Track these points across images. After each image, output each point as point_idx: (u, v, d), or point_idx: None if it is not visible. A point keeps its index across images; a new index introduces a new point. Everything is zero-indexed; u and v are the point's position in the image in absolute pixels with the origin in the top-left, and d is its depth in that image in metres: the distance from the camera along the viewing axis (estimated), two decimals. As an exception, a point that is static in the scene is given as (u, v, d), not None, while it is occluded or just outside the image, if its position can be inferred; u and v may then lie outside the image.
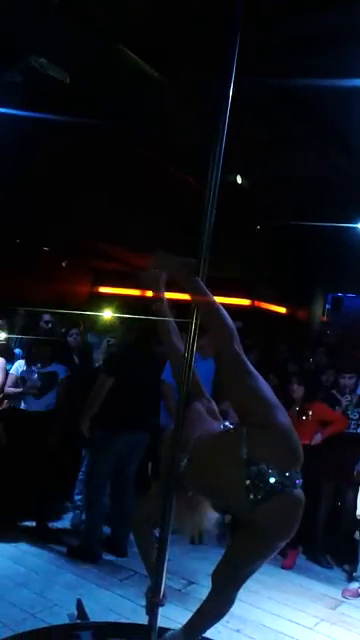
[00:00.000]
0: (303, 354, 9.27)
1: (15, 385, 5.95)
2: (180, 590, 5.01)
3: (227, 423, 3.12)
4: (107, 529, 5.89)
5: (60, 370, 6.01)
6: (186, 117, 7.84)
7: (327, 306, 16.57)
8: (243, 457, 2.72)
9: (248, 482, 2.69)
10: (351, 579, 5.65)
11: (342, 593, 5.45)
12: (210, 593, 2.98)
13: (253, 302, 14.83)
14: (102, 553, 5.52)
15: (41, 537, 5.70)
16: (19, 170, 9.22)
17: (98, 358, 6.83)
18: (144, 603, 3.20)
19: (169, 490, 2.98)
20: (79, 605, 4.22)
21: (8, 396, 5.97)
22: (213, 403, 3.30)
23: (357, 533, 5.82)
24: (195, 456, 2.92)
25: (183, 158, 9.35)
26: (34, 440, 5.74)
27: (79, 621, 4.09)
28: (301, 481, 2.76)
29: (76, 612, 4.18)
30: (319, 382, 6.91)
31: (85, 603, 4.24)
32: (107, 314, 8.25)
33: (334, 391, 6.38)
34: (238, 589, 2.93)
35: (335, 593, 5.46)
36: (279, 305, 16.08)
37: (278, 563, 5.80)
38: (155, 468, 6.00)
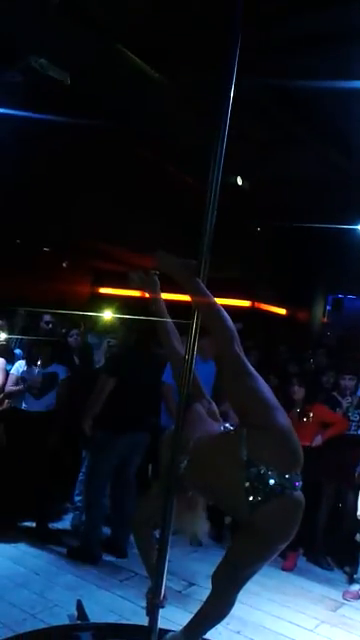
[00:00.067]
0: (303, 355, 9.27)
1: (16, 385, 5.95)
2: (180, 591, 5.01)
3: (227, 424, 3.11)
4: (107, 530, 5.88)
5: (60, 371, 6.00)
6: (186, 117, 7.84)
7: (328, 307, 16.56)
8: (243, 459, 2.71)
9: (247, 484, 2.68)
10: (352, 581, 5.64)
11: (343, 595, 5.44)
12: (210, 595, 2.97)
13: (253, 303, 14.82)
14: (102, 554, 5.52)
15: (41, 538, 5.69)
16: (19, 170, 9.22)
17: (98, 359, 6.84)
18: (144, 604, 3.20)
19: (169, 491, 2.98)
20: (79, 606, 4.21)
21: (9, 395, 5.96)
22: (213, 404, 3.29)
23: (358, 535, 5.81)
24: (195, 457, 2.92)
25: (183, 158, 9.34)
26: (34, 440, 5.73)
27: (79, 622, 4.08)
28: (301, 483, 2.75)
29: (76, 613, 4.18)
30: (319, 383, 6.91)
31: (85, 604, 4.24)
32: (107, 315, 8.26)
33: (335, 393, 6.37)
34: (238, 591, 2.92)
35: (336, 595, 5.45)
36: (279, 306, 16.07)
37: (278, 565, 5.79)
38: (155, 469, 5.99)
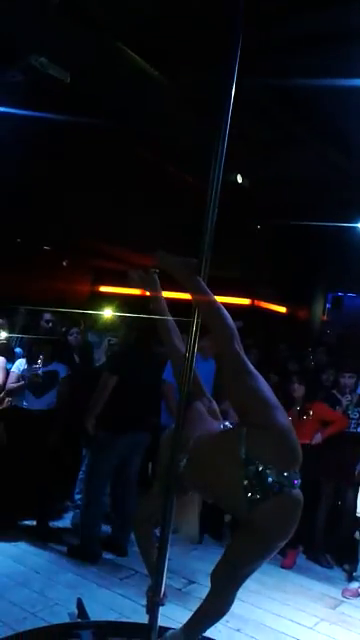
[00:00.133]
0: (303, 353, 9.27)
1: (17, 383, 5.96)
2: (180, 589, 5.02)
3: (227, 423, 3.12)
4: (108, 528, 5.89)
5: (61, 369, 6.01)
6: (186, 117, 7.84)
7: (327, 305, 16.56)
8: (242, 457, 2.72)
9: (246, 482, 2.69)
10: (351, 579, 5.65)
11: (342, 593, 5.45)
12: (209, 593, 2.98)
13: (253, 301, 14.82)
14: (102, 552, 5.52)
15: (41, 536, 5.70)
16: (20, 169, 9.22)
17: (98, 357, 6.85)
18: (144, 602, 3.21)
19: (169, 490, 2.99)
20: (79, 604, 4.22)
21: (10, 392, 5.96)
22: (214, 403, 3.30)
23: (357, 533, 5.82)
24: (195, 456, 2.93)
25: (183, 157, 9.34)
26: (35, 439, 5.74)
27: (79, 620, 4.09)
28: (299, 481, 2.76)
29: (76, 611, 4.18)
30: (319, 381, 6.92)
31: (85, 602, 4.24)
32: (107, 313, 8.26)
33: (334, 391, 6.38)
34: (237, 589, 2.94)
35: (335, 593, 5.46)
36: (279, 305, 16.07)
37: (278, 563, 5.80)
38: (155, 468, 6.01)
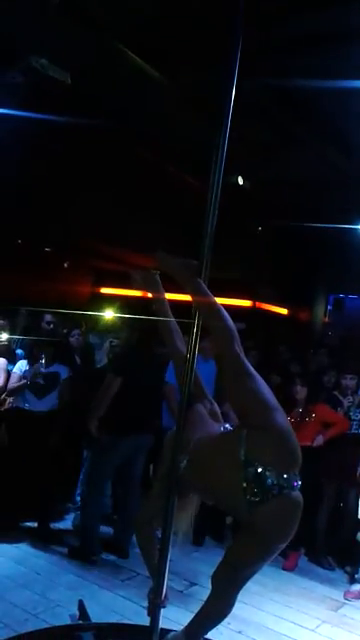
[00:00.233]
0: (305, 355, 9.26)
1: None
2: (182, 591, 5.01)
3: (227, 425, 3.12)
4: (109, 530, 5.89)
5: (62, 370, 6.01)
6: (187, 117, 7.84)
7: (329, 307, 16.54)
8: (241, 459, 2.72)
9: (245, 484, 2.69)
10: (353, 581, 5.65)
11: (344, 595, 5.45)
12: (210, 595, 2.97)
13: (254, 303, 14.81)
14: (101, 553, 5.51)
15: (43, 538, 5.70)
16: (20, 170, 9.22)
17: (100, 359, 6.85)
18: (146, 604, 3.20)
19: (171, 491, 2.98)
20: (81, 606, 4.21)
21: (12, 392, 5.95)
22: (215, 405, 3.30)
23: (359, 534, 5.81)
24: (195, 458, 2.93)
25: (184, 158, 9.34)
26: (37, 440, 5.73)
27: (81, 622, 4.08)
28: (299, 483, 2.75)
29: (78, 613, 4.18)
30: (321, 383, 6.91)
31: (87, 604, 4.24)
32: (109, 314, 8.26)
33: (336, 392, 6.37)
34: (238, 591, 2.93)
35: (337, 595, 5.46)
36: (280, 306, 16.06)
37: (280, 565, 5.80)
38: (157, 469, 6.01)
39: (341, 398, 6.24)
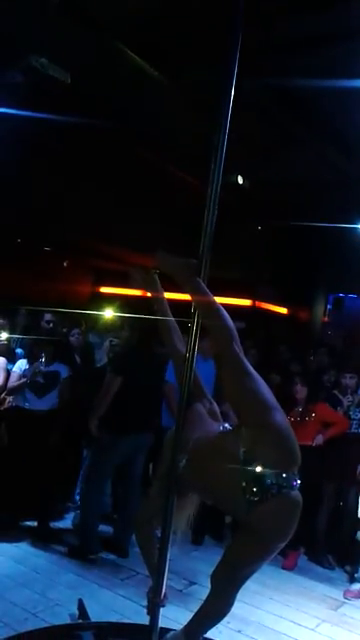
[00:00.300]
0: (305, 354, 9.26)
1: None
2: (181, 590, 5.01)
3: (226, 424, 3.12)
4: (109, 529, 5.89)
5: (62, 370, 6.01)
6: (186, 117, 7.84)
7: (329, 306, 16.54)
8: (240, 458, 2.72)
9: (244, 484, 2.69)
10: (353, 580, 5.65)
11: (344, 594, 5.45)
12: (210, 594, 2.98)
13: (254, 303, 14.82)
14: (101, 552, 5.51)
15: (43, 537, 5.69)
16: (20, 170, 9.22)
17: (99, 358, 6.85)
18: (145, 603, 3.21)
19: (170, 491, 2.98)
20: (80, 605, 4.22)
21: (11, 391, 5.95)
22: (215, 404, 3.30)
23: (358, 533, 5.81)
24: (194, 457, 2.93)
25: (184, 158, 9.34)
26: (37, 439, 5.73)
27: (80, 621, 4.09)
28: (298, 482, 2.76)
29: (77, 612, 4.19)
30: (321, 382, 6.91)
31: (86, 603, 4.25)
32: (108, 314, 8.26)
33: (335, 391, 6.37)
34: (237, 590, 2.93)
35: (337, 594, 5.46)
36: (280, 305, 16.06)
37: (279, 564, 5.80)
38: (156, 469, 6.01)
39: (341, 397, 6.24)
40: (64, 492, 6.37)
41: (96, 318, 8.27)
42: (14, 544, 5.53)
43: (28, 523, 5.89)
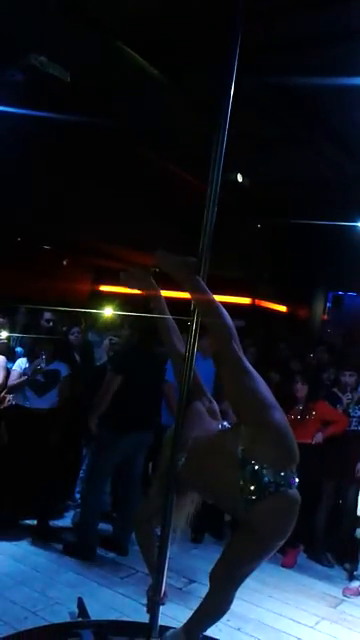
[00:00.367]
0: (304, 352, 9.27)
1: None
2: (181, 589, 5.02)
3: (225, 423, 3.12)
4: (109, 527, 5.90)
5: (62, 368, 6.00)
6: (186, 115, 7.84)
7: (328, 304, 16.56)
8: (238, 457, 2.72)
9: (242, 482, 2.70)
10: (352, 577, 5.65)
11: (343, 592, 5.45)
12: (209, 592, 2.98)
13: (254, 301, 14.83)
14: (97, 549, 5.51)
15: (42, 535, 5.69)
16: (20, 168, 9.22)
17: (99, 356, 6.85)
18: (145, 601, 3.21)
19: (169, 489, 2.99)
20: (80, 603, 4.22)
21: (12, 388, 5.95)
22: (214, 403, 3.30)
23: (358, 531, 5.82)
24: (192, 456, 2.93)
25: (184, 156, 9.34)
26: (36, 438, 5.73)
27: (80, 619, 4.09)
28: (297, 481, 2.76)
29: (77, 610, 4.19)
30: (320, 380, 6.91)
31: (86, 601, 4.25)
32: (108, 312, 8.26)
33: (335, 389, 6.37)
34: (236, 588, 2.93)
35: (336, 592, 5.46)
36: (280, 304, 16.08)
37: (279, 562, 5.80)
38: (156, 467, 6.02)
39: (340, 395, 6.25)
40: (64, 490, 6.37)
41: (96, 316, 8.27)
42: (14, 542, 5.53)
43: (28, 522, 5.89)
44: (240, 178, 9.74)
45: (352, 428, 6.10)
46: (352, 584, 5.53)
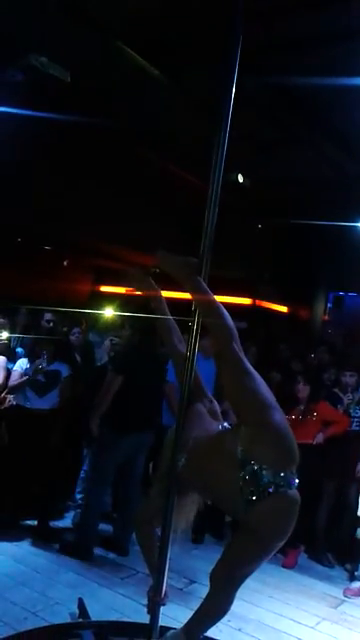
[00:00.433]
0: (305, 352, 9.26)
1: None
2: (182, 589, 5.01)
3: (225, 423, 3.12)
4: (109, 527, 5.89)
5: (63, 369, 6.00)
6: (186, 116, 7.84)
7: (329, 305, 16.55)
8: (238, 457, 2.72)
9: (242, 483, 2.69)
10: (353, 578, 5.65)
11: (344, 592, 5.45)
12: (209, 593, 2.98)
13: (254, 301, 14.82)
14: (97, 550, 5.51)
15: (43, 536, 5.69)
16: (20, 169, 9.22)
17: (100, 356, 6.84)
18: (145, 602, 3.21)
19: (170, 490, 2.98)
20: (80, 604, 4.22)
21: (14, 388, 5.94)
22: (215, 403, 3.30)
23: (359, 532, 5.81)
24: (192, 456, 2.93)
25: (185, 157, 9.34)
26: (37, 438, 5.73)
27: (80, 620, 4.09)
28: (296, 481, 2.76)
29: (77, 611, 4.19)
30: (321, 380, 6.91)
31: (86, 602, 4.25)
32: (108, 312, 8.26)
33: (336, 389, 6.37)
34: (236, 589, 2.93)
35: (337, 592, 5.46)
36: (280, 304, 16.07)
37: (279, 562, 5.80)
38: (156, 468, 6.01)
39: (341, 395, 6.24)
40: (64, 491, 6.37)
41: (96, 317, 8.27)
42: (14, 543, 5.52)
43: (28, 522, 5.88)
44: (241, 178, 9.74)
45: (353, 428, 6.10)
46: (353, 584, 5.53)
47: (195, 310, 2.98)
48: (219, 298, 2.90)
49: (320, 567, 5.99)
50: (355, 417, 6.12)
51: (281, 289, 15.44)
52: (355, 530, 5.85)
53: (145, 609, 3.21)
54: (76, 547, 5.45)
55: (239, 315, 3.25)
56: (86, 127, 8.15)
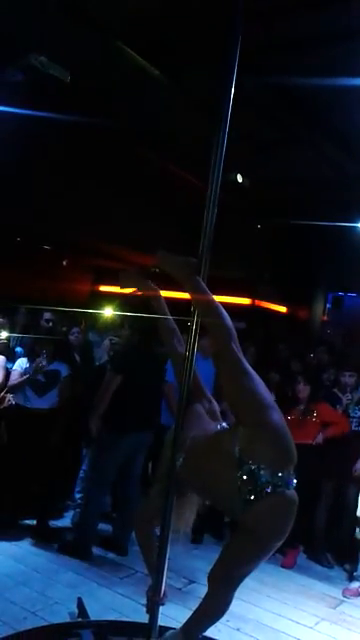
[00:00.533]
0: (304, 352, 9.26)
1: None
2: (181, 589, 5.01)
3: (224, 423, 3.12)
4: (109, 527, 5.89)
5: (62, 368, 6.00)
6: (186, 116, 7.84)
7: (328, 305, 16.55)
8: (236, 457, 2.72)
9: (240, 483, 2.69)
10: (352, 578, 5.65)
11: (343, 592, 5.45)
12: (207, 593, 2.98)
13: (254, 301, 14.82)
14: (97, 549, 5.51)
15: (42, 535, 5.69)
16: (20, 168, 9.22)
17: (99, 356, 6.84)
18: (145, 602, 3.21)
19: (169, 490, 2.99)
20: (80, 603, 4.23)
21: (14, 388, 5.94)
22: (214, 403, 3.30)
23: (358, 532, 5.82)
24: (190, 456, 2.93)
25: (184, 157, 9.34)
26: (37, 438, 5.73)
27: (80, 619, 4.09)
28: (294, 481, 2.76)
29: (77, 610, 4.19)
30: (320, 380, 6.91)
31: (86, 601, 4.25)
32: (108, 312, 8.26)
33: (335, 389, 6.37)
34: (235, 589, 2.93)
35: (336, 592, 5.46)
36: (280, 304, 16.07)
37: (278, 562, 5.80)
38: (156, 468, 6.01)
39: (340, 395, 6.25)
40: (64, 490, 6.37)
41: (96, 317, 8.27)
42: (14, 543, 5.53)
43: (27, 522, 5.89)
44: (240, 178, 9.74)
45: (352, 428, 6.10)
46: (352, 585, 5.53)
47: (194, 310, 2.98)
48: (218, 298, 2.90)
49: (319, 567, 5.99)
50: (354, 417, 6.13)
51: (280, 289, 15.45)
52: (354, 530, 5.85)
53: (144, 609, 3.21)
54: (75, 547, 5.46)
55: (238, 315, 3.25)
56: (86, 127, 8.15)
